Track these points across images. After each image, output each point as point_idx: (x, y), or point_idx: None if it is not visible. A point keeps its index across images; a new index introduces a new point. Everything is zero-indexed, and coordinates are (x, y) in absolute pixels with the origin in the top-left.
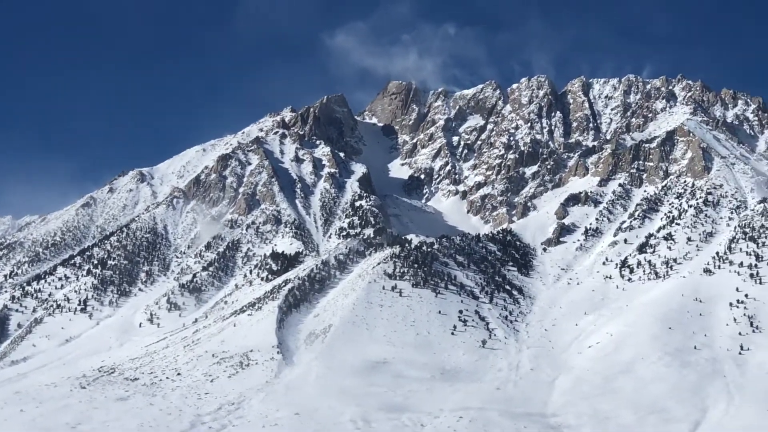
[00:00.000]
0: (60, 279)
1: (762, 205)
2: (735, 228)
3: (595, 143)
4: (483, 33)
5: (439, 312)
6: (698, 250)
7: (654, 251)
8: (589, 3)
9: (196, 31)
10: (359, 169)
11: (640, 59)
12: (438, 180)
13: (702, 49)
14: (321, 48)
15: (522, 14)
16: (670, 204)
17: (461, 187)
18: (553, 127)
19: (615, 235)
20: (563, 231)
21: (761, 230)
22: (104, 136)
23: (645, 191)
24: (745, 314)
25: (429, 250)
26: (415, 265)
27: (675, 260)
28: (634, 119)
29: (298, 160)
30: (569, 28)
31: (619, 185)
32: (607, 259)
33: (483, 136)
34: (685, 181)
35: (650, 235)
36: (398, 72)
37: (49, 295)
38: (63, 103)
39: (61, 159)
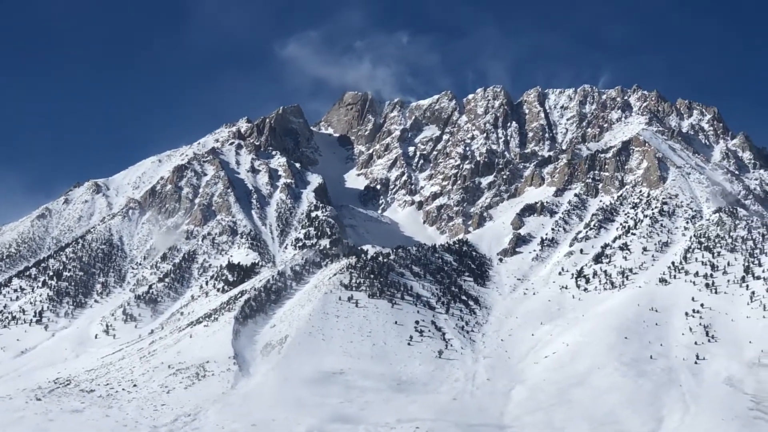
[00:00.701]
0: (15, 291)
1: (717, 214)
2: (690, 238)
3: (551, 153)
4: (437, 41)
5: (396, 322)
6: (654, 260)
7: (610, 261)
8: (544, 11)
9: (148, 40)
10: (315, 179)
11: (595, 68)
12: (394, 190)
13: (657, 59)
14: (274, 58)
15: (476, 22)
16: (625, 214)
17: (417, 198)
18: (508, 138)
19: (571, 246)
20: (519, 241)
21: (716, 240)
22: (58, 147)
23: (601, 201)
24: (700, 324)
25: (385, 260)
26: (372, 276)
27: (631, 270)
28: (589, 129)
29: (254, 170)
30: (524, 36)
31: (575, 195)
32: (563, 270)
33: (439, 147)
34: (640, 191)
35: (606, 245)
36: (353, 82)
37: (4, 306)
38: (13, 113)
39: (14, 170)
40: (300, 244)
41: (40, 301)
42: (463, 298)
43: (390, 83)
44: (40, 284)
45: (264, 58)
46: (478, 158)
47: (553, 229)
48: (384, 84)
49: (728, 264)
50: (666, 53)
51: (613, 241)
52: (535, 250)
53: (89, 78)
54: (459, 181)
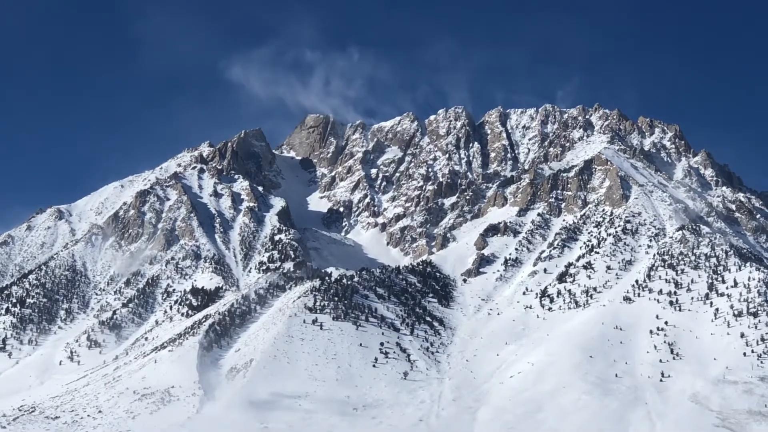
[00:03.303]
0: None
1: (680, 232)
2: (654, 256)
3: (514, 173)
4: (390, 56)
5: (361, 345)
6: (618, 278)
7: (574, 280)
8: (501, 25)
9: (100, 66)
10: (278, 203)
11: (556, 84)
12: (357, 212)
13: (618, 77)
14: (226, 80)
15: (432, 36)
16: (589, 233)
17: (380, 220)
18: (471, 158)
19: (535, 265)
20: (483, 262)
21: (680, 257)
22: (19, 174)
23: (564, 220)
24: (665, 341)
25: (349, 283)
26: (336, 299)
27: (595, 289)
28: (551, 149)
29: (216, 194)
30: (482, 51)
31: (538, 215)
32: (527, 289)
33: (401, 168)
34: (603, 210)
35: (570, 264)
36: (312, 104)
37: None
38: None
39: None
40: (264, 267)
41: (4, 329)
42: (428, 319)
43: (347, 104)
44: (3, 311)
45: (216, 80)
46: (441, 179)
47: (516, 249)
48: (340, 104)
49: (692, 281)
50: (626, 71)
51: (577, 260)
52: (498, 271)
53: (47, 104)
54: (422, 203)
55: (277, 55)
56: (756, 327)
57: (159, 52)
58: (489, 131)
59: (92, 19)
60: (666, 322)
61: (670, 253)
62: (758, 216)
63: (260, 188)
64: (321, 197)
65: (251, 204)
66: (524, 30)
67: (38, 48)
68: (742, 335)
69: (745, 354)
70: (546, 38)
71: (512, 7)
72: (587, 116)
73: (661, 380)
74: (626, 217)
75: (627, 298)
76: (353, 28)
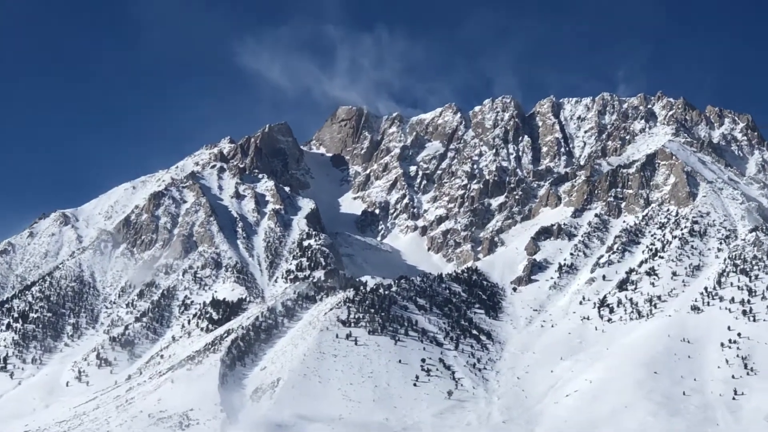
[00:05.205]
0: None
1: (754, 234)
2: (725, 260)
3: (568, 170)
4: (429, 34)
5: (399, 361)
6: (684, 285)
7: (636, 288)
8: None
9: (100, 53)
10: (307, 204)
11: (615, 65)
12: (394, 215)
13: (685, 60)
14: (244, 66)
15: (472, 10)
16: (652, 235)
17: (420, 222)
18: (520, 153)
19: (592, 272)
20: (535, 268)
21: (753, 262)
22: (21, 176)
23: (624, 222)
24: (738, 355)
25: (386, 293)
26: (372, 310)
27: (659, 297)
28: (610, 142)
29: (238, 196)
30: (531, 29)
31: (596, 216)
32: (584, 298)
33: (443, 165)
34: (668, 210)
35: (631, 271)
36: (338, 92)
37: None
38: None
39: None
40: (291, 276)
41: (5, 346)
42: (474, 332)
43: (375, 90)
44: (4, 327)
45: (229, 64)
46: (488, 177)
47: (572, 253)
48: (370, 92)
49: (767, 288)
50: (693, 57)
51: (639, 265)
52: (552, 278)
53: (45, 97)
54: (466, 203)
55: (295, 35)
56: None
57: (163, 33)
58: (540, 123)
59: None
60: (739, 334)
61: (742, 257)
62: None
63: (287, 189)
64: (354, 198)
65: (277, 206)
66: (580, 1)
67: (31, 36)
68: None
69: None
70: (605, 11)
71: None
72: (649, 106)
73: (733, 398)
74: (693, 217)
75: (695, 308)
76: (381, 2)
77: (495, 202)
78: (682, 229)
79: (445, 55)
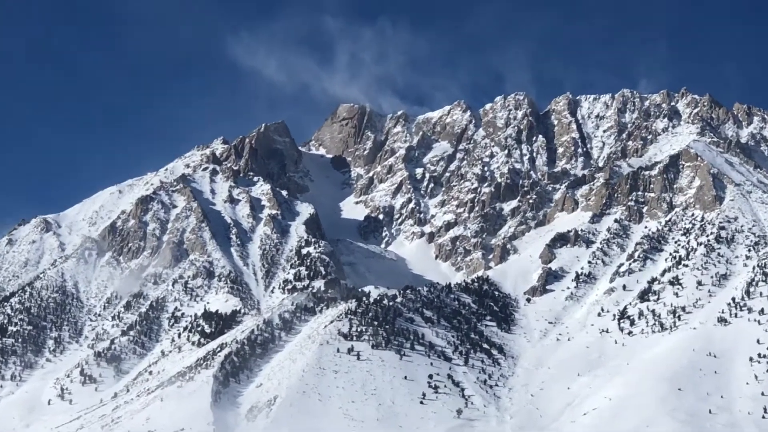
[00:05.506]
0: None
1: None
2: (754, 268)
3: (586, 172)
4: (434, 26)
5: (405, 377)
6: (710, 295)
7: (658, 299)
8: None
9: (85, 49)
10: (305, 209)
11: (636, 60)
12: (400, 220)
13: (710, 57)
14: (236, 61)
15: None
16: (675, 242)
17: (427, 229)
18: (534, 154)
19: (611, 281)
20: (550, 277)
21: None
22: None
23: (646, 227)
24: None
25: (391, 304)
26: (375, 323)
27: (683, 309)
28: (630, 142)
29: (232, 200)
30: (544, 17)
31: (615, 221)
32: (602, 310)
33: (452, 167)
34: (693, 215)
35: (653, 280)
36: (338, 89)
37: None
38: None
39: None
40: (289, 286)
41: None
42: (485, 346)
43: (377, 87)
44: None
45: (221, 59)
46: (499, 180)
47: (590, 262)
48: (371, 88)
49: None
50: (720, 52)
51: (662, 274)
52: (569, 288)
53: (24, 95)
54: (477, 208)
55: (292, 29)
56: None
57: (151, 27)
58: (556, 122)
59: None
60: None
61: None
62: None
63: (284, 192)
64: (356, 202)
65: (274, 211)
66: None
67: (8, 33)
68: None
69: None
70: (624, 11)
71: None
72: (673, 103)
73: (763, 416)
74: (720, 222)
75: (722, 320)
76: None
77: (507, 206)
78: (707, 236)
79: (452, 48)
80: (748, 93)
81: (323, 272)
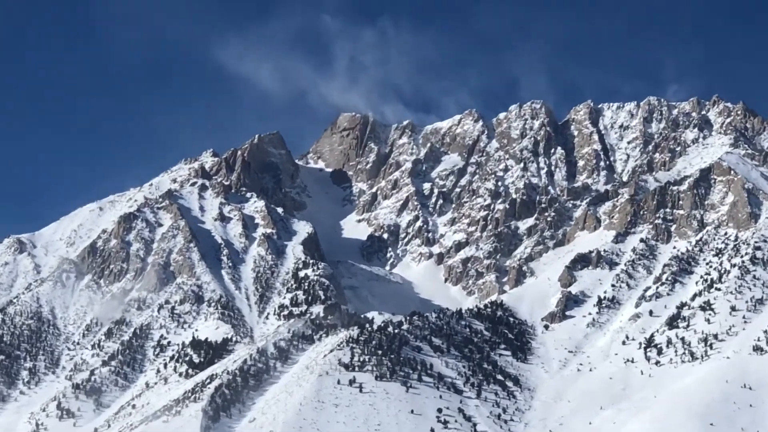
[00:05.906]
0: None
1: None
2: None
3: (609, 187)
4: (440, 27)
5: (412, 411)
6: (745, 322)
7: (688, 325)
8: None
9: (60, 57)
10: (303, 228)
11: (661, 64)
12: (406, 240)
13: (743, 62)
14: (226, 66)
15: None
16: (707, 263)
17: (436, 249)
18: (553, 168)
19: (637, 306)
20: (570, 302)
21: None
22: None
23: (674, 248)
24: None
25: (396, 331)
26: (379, 352)
27: (716, 336)
28: (657, 155)
29: (223, 218)
30: (559, 16)
31: (641, 241)
32: (627, 338)
33: (463, 182)
34: (726, 233)
35: (683, 305)
36: (337, 96)
37: None
38: None
39: None
40: (285, 312)
41: None
42: (499, 377)
43: (379, 95)
44: None
45: (209, 64)
46: (514, 196)
47: (613, 285)
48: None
49: None
50: (754, 52)
51: (692, 299)
52: (590, 314)
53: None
54: (490, 227)
55: (285, 31)
56: None
57: (132, 32)
58: (576, 132)
59: None
60: None
61: None
62: None
63: (280, 210)
64: (359, 221)
65: (268, 230)
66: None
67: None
68: None
69: None
70: (648, 13)
71: None
72: (703, 112)
73: None
74: (756, 242)
75: (758, 348)
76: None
77: (523, 225)
78: (742, 256)
79: (460, 50)
80: None
81: (322, 297)
